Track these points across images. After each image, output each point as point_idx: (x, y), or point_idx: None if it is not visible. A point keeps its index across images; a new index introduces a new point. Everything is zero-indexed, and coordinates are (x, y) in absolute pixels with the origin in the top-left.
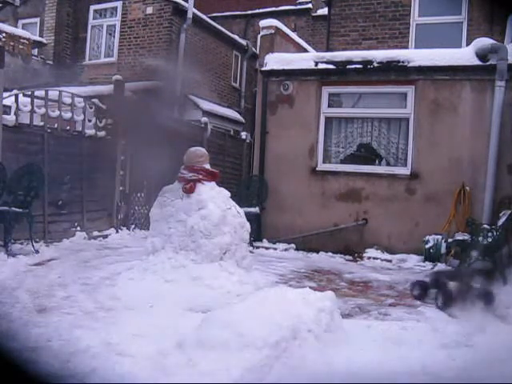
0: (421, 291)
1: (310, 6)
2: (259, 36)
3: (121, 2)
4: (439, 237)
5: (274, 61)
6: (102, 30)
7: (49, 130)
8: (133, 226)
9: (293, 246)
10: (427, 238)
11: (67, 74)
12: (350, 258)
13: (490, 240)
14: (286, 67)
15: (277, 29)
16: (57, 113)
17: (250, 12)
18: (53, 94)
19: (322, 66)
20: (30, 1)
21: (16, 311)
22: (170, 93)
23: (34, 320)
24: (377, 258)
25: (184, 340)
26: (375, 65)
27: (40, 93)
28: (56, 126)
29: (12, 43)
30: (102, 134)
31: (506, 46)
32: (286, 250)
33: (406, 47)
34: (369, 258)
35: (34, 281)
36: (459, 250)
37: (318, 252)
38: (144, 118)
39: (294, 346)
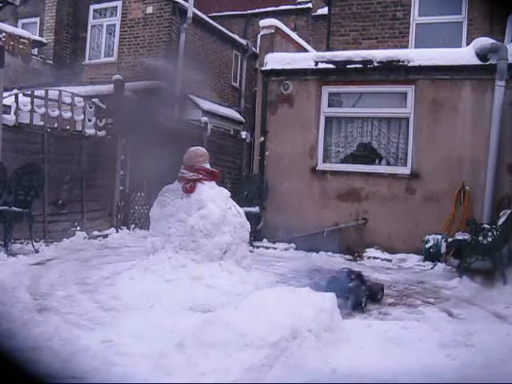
0: None
1: (310, 5)
2: (259, 36)
3: (121, 1)
4: (439, 236)
5: (274, 60)
6: (101, 30)
7: (49, 130)
8: (133, 226)
9: (293, 245)
10: (427, 237)
11: (67, 73)
12: (350, 257)
13: (489, 240)
14: (285, 67)
15: (277, 28)
16: (57, 112)
17: (250, 12)
18: (53, 93)
19: (322, 65)
20: (30, 0)
21: (16, 311)
22: (169, 93)
23: (34, 319)
24: (377, 258)
25: (184, 340)
26: (375, 64)
27: (40, 92)
28: (56, 125)
29: (12, 43)
30: (102, 133)
31: (505, 45)
32: (285, 249)
33: (406, 47)
34: (369, 257)
35: (34, 280)
36: (459, 249)
37: (318, 252)
38: (144, 117)
39: (293, 345)
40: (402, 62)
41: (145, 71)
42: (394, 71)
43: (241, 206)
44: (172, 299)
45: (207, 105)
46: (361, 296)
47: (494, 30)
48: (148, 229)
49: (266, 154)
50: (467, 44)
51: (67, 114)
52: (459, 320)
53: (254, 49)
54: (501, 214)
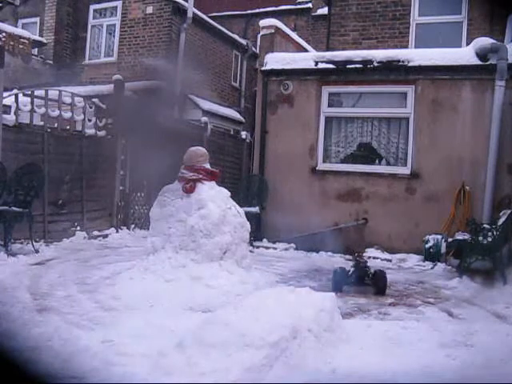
0: None
1: (310, 5)
2: (259, 36)
3: (121, 1)
4: (439, 236)
5: (274, 60)
6: (101, 30)
7: (49, 130)
8: (133, 226)
9: (293, 245)
10: (427, 237)
11: (67, 73)
12: (350, 257)
13: (489, 240)
14: (285, 67)
15: (277, 28)
16: (57, 112)
17: (250, 12)
18: (53, 93)
19: (322, 65)
20: (30, 0)
21: (16, 311)
22: (169, 93)
23: (34, 320)
24: (377, 258)
25: (184, 340)
26: (375, 64)
27: (40, 92)
28: (56, 125)
29: (12, 43)
30: (102, 133)
31: (505, 45)
32: (286, 249)
33: (406, 47)
34: (369, 257)
35: (34, 280)
36: (459, 249)
37: (318, 252)
38: (144, 117)
39: (293, 345)
40: (402, 61)
41: (145, 71)
42: (394, 71)
43: (241, 206)
44: (172, 299)
45: (207, 105)
46: (384, 282)
47: (494, 30)
48: (148, 229)
49: (266, 154)
50: (467, 44)
51: (67, 114)
52: (459, 320)
53: (254, 49)
54: (501, 214)
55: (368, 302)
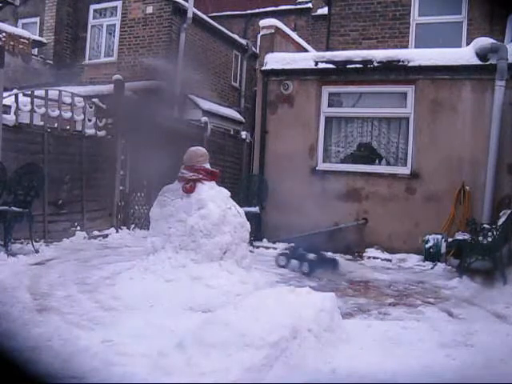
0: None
1: (310, 5)
2: (259, 36)
3: (121, 1)
4: (439, 236)
5: (274, 60)
6: (101, 30)
7: (49, 130)
8: (133, 226)
9: (293, 245)
10: (427, 237)
11: (67, 73)
12: (350, 257)
13: (489, 240)
14: (285, 67)
15: (277, 28)
16: (57, 112)
17: (250, 12)
18: (53, 93)
19: (321, 65)
20: (30, 0)
21: (16, 311)
22: (169, 93)
23: (34, 320)
24: (377, 258)
25: (184, 340)
26: (375, 64)
27: (40, 92)
28: (56, 125)
29: (12, 43)
30: (102, 133)
31: (505, 45)
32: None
33: (406, 47)
34: (369, 257)
35: (34, 280)
36: (459, 249)
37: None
38: (144, 117)
39: (293, 345)
40: (402, 62)
41: (145, 71)
42: (394, 71)
43: (241, 206)
44: (172, 299)
45: (207, 105)
46: (336, 264)
47: (494, 30)
48: (148, 229)
49: (266, 153)
50: (467, 44)
51: (67, 114)
52: (459, 320)
53: (254, 49)
54: (501, 214)
55: (368, 301)
